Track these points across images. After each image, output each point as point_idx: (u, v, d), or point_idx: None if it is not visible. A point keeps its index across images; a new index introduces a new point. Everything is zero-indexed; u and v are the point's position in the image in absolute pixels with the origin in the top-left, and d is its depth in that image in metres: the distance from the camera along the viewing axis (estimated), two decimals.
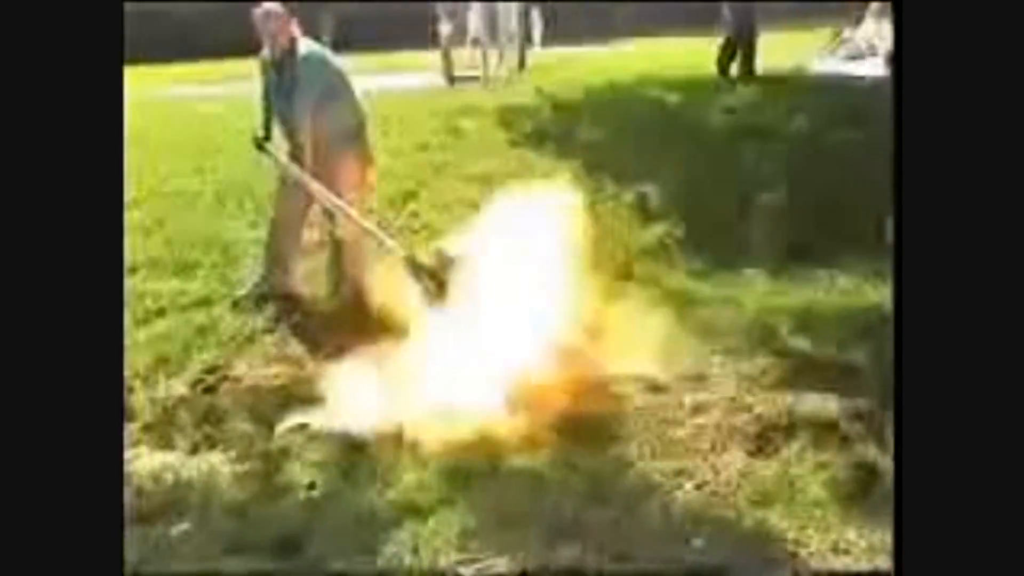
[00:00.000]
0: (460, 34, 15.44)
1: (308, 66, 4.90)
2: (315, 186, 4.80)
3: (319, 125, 4.84)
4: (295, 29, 4.96)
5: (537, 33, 18.93)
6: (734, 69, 11.85)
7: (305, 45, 4.99)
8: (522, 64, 16.18)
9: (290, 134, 4.99)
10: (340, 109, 4.98)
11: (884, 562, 2.73)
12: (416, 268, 4.24)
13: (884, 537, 2.82)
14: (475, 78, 14.57)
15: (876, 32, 12.39)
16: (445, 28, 14.94)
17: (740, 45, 11.75)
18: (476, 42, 15.25)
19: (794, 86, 11.27)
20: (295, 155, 4.93)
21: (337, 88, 5.00)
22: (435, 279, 4.14)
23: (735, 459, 3.37)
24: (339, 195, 4.81)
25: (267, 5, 4.94)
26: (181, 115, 13.00)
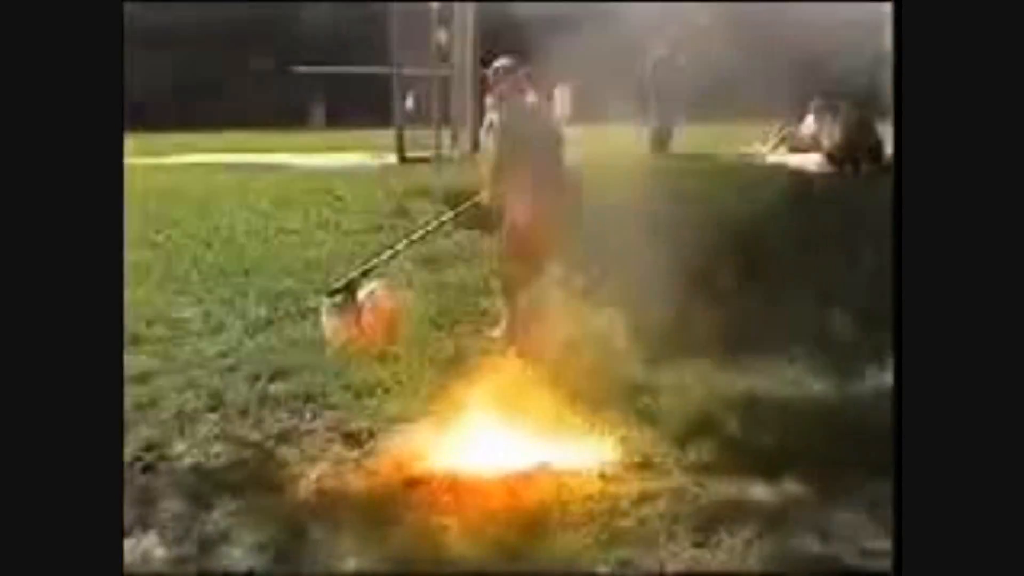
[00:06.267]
0: (416, 113, 15.55)
1: None
2: None
3: None
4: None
5: None
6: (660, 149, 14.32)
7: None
8: (475, 146, 16.30)
9: None
10: None
11: None
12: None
13: None
14: (428, 159, 14.64)
15: (818, 128, 12.80)
16: (399, 107, 15.08)
17: (664, 133, 14.37)
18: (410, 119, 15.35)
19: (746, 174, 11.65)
20: None
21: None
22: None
23: (681, 549, 3.34)
24: None
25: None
26: (133, 187, 12.87)
